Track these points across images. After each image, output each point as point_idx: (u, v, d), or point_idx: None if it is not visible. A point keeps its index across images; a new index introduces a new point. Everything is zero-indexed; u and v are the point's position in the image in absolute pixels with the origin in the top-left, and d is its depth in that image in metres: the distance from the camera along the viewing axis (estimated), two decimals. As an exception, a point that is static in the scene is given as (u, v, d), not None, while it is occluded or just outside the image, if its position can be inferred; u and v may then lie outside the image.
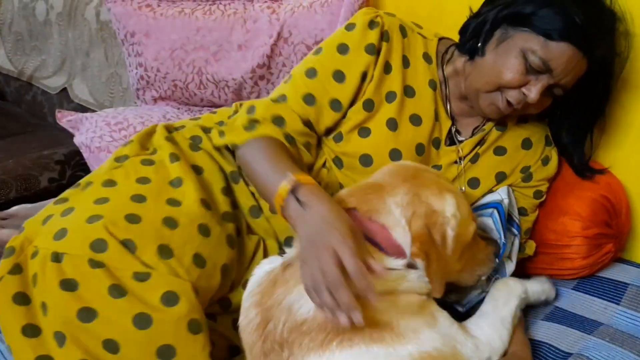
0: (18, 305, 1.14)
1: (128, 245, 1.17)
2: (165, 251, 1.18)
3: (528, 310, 1.48)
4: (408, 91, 1.42)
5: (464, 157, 1.45)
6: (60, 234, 1.16)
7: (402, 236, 1.14)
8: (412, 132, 1.41)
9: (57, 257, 1.14)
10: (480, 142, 1.47)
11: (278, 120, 1.34)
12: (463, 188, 1.45)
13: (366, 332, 1.06)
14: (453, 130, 1.46)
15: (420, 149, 1.41)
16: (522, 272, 1.58)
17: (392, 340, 1.07)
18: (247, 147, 1.32)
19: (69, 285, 1.12)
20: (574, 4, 1.27)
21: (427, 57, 1.44)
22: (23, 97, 3.15)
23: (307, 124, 1.37)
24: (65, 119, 2.01)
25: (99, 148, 1.90)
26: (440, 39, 1.48)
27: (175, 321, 1.13)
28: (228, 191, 1.38)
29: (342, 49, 1.39)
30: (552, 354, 1.33)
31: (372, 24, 1.39)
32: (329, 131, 1.42)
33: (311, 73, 1.39)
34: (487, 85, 1.34)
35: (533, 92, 1.29)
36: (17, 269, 1.16)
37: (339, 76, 1.38)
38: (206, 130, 1.48)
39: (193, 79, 2.06)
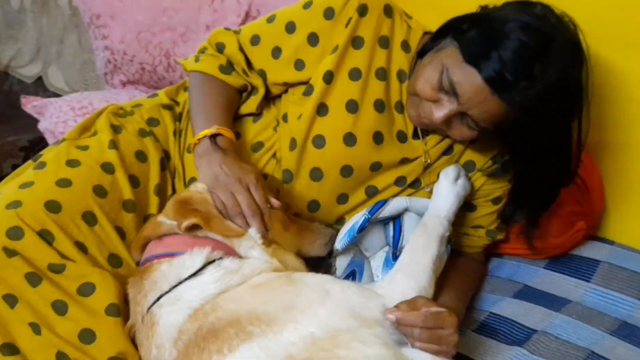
0: None
1: (44, 235, 1.16)
2: (81, 248, 1.19)
3: (496, 289, 1.45)
4: (379, 73, 1.35)
5: (430, 149, 1.39)
6: None
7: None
8: (373, 118, 1.34)
9: None
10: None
11: (220, 46, 1.41)
12: (426, 187, 1.39)
13: (232, 336, 1.01)
14: None
15: (378, 138, 1.35)
16: (495, 252, 1.56)
17: (263, 331, 1.01)
18: (191, 78, 1.43)
19: None
20: (512, 36, 1.12)
21: (405, 46, 1.37)
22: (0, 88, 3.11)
23: (248, 61, 1.40)
24: (30, 104, 1.97)
25: (62, 133, 1.84)
26: (426, 33, 1.39)
27: (93, 309, 1.13)
28: (161, 189, 1.36)
29: (307, 4, 1.36)
30: (516, 331, 1.30)
31: None
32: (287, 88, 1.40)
33: (271, 18, 1.40)
34: (410, 88, 1.29)
35: (438, 112, 1.22)
36: None
37: (290, 27, 1.36)
38: (166, 107, 1.45)
39: (161, 62, 2.02)
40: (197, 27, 1.97)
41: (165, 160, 1.39)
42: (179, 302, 1.09)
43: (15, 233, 1.13)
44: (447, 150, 1.39)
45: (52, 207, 1.18)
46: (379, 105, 1.35)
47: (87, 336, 1.11)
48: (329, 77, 1.33)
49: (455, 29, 1.24)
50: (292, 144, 1.35)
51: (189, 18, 1.97)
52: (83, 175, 1.25)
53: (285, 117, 1.38)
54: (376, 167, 1.36)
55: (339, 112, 1.33)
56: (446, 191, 1.31)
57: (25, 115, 2.84)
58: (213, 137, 1.27)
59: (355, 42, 1.34)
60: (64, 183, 1.22)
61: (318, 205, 1.38)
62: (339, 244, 1.30)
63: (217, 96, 1.36)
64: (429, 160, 1.38)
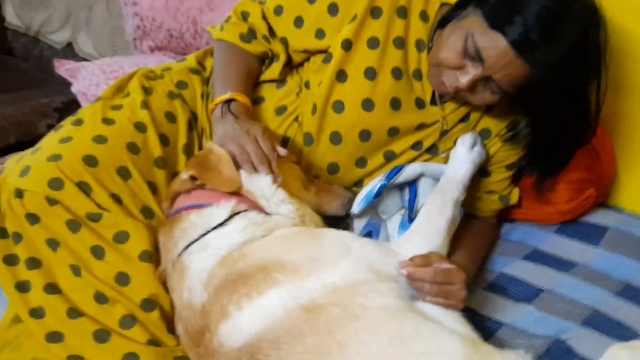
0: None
1: (83, 187, 1.24)
2: (117, 199, 1.27)
3: (506, 252, 1.51)
4: (397, 42, 1.40)
5: (448, 115, 1.44)
6: (24, 172, 1.23)
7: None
8: (390, 85, 1.40)
9: (19, 193, 1.21)
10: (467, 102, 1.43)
11: (244, 15, 1.47)
12: (441, 153, 1.45)
13: (260, 281, 1.09)
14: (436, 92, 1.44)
15: (395, 104, 1.40)
16: (508, 217, 1.61)
17: (289, 279, 1.09)
18: (215, 46, 1.52)
19: (33, 218, 1.21)
20: (534, 1, 1.18)
21: (424, 16, 1.42)
22: (31, 53, 3.20)
23: (270, 30, 1.46)
24: (63, 67, 2.05)
25: (94, 95, 1.93)
26: (444, 4, 1.43)
27: (127, 254, 1.22)
28: (189, 148, 1.43)
29: None
30: (525, 289, 1.36)
31: None
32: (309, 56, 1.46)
33: None
34: (431, 59, 1.34)
35: (463, 78, 1.26)
36: None
37: None
38: (194, 71, 1.52)
39: (188, 28, 2.08)
40: (222, -6, 2.03)
41: (192, 121, 1.46)
42: (207, 249, 1.17)
43: (56, 184, 1.22)
44: (464, 118, 1.45)
45: (90, 161, 1.26)
46: (397, 73, 1.40)
47: (122, 279, 1.20)
48: (347, 45, 1.39)
49: None
50: (314, 109, 1.41)
51: (216, -14, 2.03)
52: (117, 132, 1.33)
53: (307, 84, 1.45)
54: (394, 132, 1.41)
55: (358, 79, 1.39)
56: (462, 157, 1.37)
57: (55, 80, 2.93)
58: (227, 102, 1.34)
59: (374, 11, 1.39)
60: (100, 139, 1.30)
61: (337, 168, 1.44)
62: (356, 208, 1.37)
63: (236, 63, 1.44)
64: (445, 127, 1.44)
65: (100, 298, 1.18)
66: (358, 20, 1.38)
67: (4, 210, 1.22)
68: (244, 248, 1.15)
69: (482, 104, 1.35)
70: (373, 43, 1.39)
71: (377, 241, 1.36)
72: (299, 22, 1.43)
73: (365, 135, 1.40)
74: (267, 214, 1.26)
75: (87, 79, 1.96)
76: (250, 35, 1.46)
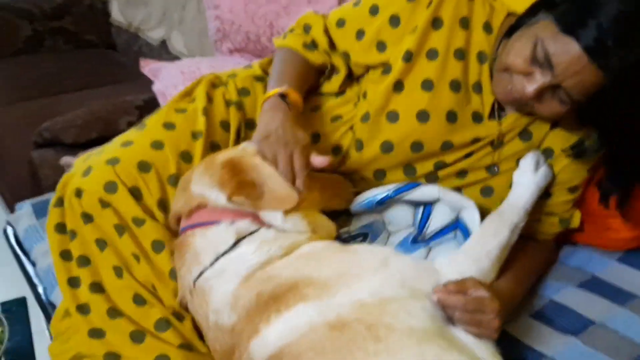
0: (58, 234, 1.31)
1: (134, 192, 1.29)
2: (163, 206, 1.31)
3: (561, 277, 1.44)
4: (458, 54, 1.37)
5: (506, 132, 1.39)
6: (86, 172, 1.31)
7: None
8: (448, 98, 1.37)
9: (79, 193, 1.29)
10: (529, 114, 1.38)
11: (307, 27, 1.49)
12: (496, 168, 1.40)
13: (289, 298, 1.08)
14: (496, 105, 1.39)
15: (452, 117, 1.37)
16: (569, 240, 1.54)
17: (318, 295, 1.07)
18: (277, 52, 1.53)
19: (87, 218, 1.28)
20: (608, 3, 1.13)
21: (487, 27, 1.38)
22: (131, 48, 3.39)
23: (331, 42, 1.46)
24: (147, 67, 2.16)
25: (172, 96, 2.01)
26: (510, 14, 1.39)
27: (159, 268, 1.26)
28: None
29: None
30: (574, 320, 1.29)
31: None
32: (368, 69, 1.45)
33: (357, 3, 1.46)
34: (497, 65, 1.29)
35: (531, 86, 1.21)
36: (59, 202, 1.32)
37: (374, 10, 1.41)
38: (259, 78, 1.56)
39: (265, 32, 2.13)
40: (299, 0, 2.06)
41: (244, 129, 1.48)
42: (224, 273, 1.16)
43: (111, 187, 1.28)
44: (522, 133, 1.39)
45: (144, 166, 1.31)
46: (455, 85, 1.37)
47: (154, 288, 1.26)
48: (408, 57, 1.37)
49: (546, 4, 1.24)
50: (366, 116, 1.41)
51: (293, -9, 2.06)
52: (174, 139, 1.37)
53: (365, 94, 1.45)
54: (447, 147, 1.39)
55: (414, 90, 1.38)
56: (527, 181, 1.32)
57: (147, 77, 3.10)
58: (282, 96, 1.33)
59: (435, 23, 1.37)
60: (157, 145, 1.35)
61: (384, 175, 1.43)
62: (354, 206, 1.36)
63: (296, 64, 1.45)
64: (498, 140, 1.39)
65: (139, 300, 1.24)
66: (419, 31, 1.36)
67: (66, 207, 1.30)
68: (267, 268, 1.15)
69: (548, 116, 1.29)
70: (432, 54, 1.37)
71: (417, 257, 1.34)
72: (360, 34, 1.43)
73: (417, 146, 1.39)
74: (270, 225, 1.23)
75: (166, 79, 2.06)
76: (312, 45, 1.48)
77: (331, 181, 1.36)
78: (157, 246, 1.28)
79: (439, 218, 1.35)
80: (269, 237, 1.19)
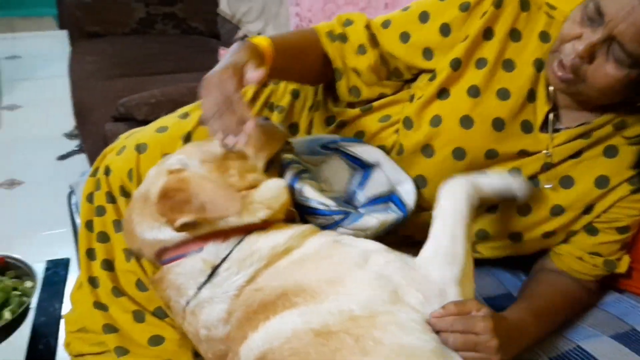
0: (87, 203, 1.36)
1: None
2: None
3: (597, 324, 1.32)
4: (506, 64, 1.32)
5: (555, 147, 1.30)
6: (120, 151, 1.35)
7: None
8: (495, 105, 1.30)
9: (107, 171, 1.33)
10: (584, 136, 1.30)
11: (347, 22, 1.41)
12: (545, 184, 1.31)
13: (278, 305, 1.05)
14: (551, 116, 1.31)
15: (498, 124, 1.30)
16: (616, 285, 1.42)
17: (305, 302, 1.04)
18: None
19: (111, 198, 1.33)
20: None
21: (544, 36, 1.31)
22: (231, 39, 3.49)
23: (373, 39, 1.39)
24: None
25: (241, 85, 2.07)
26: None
27: None
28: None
29: None
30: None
31: None
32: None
33: (406, 8, 1.41)
34: (552, 47, 1.24)
35: (581, 44, 1.14)
36: (95, 172, 1.37)
37: (424, 17, 1.36)
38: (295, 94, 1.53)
39: (340, 33, 2.11)
40: (377, 3, 2.03)
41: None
42: (212, 299, 1.11)
43: (132, 175, 1.31)
44: (576, 155, 1.30)
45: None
46: (503, 93, 1.30)
47: None
48: (456, 65, 1.32)
49: None
50: (407, 122, 1.37)
51: (372, -6, 2.04)
52: (206, 136, 1.31)
53: (412, 98, 1.40)
54: (491, 155, 1.31)
55: (459, 96, 1.32)
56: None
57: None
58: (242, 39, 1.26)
59: (487, 33, 1.31)
60: (188, 139, 1.36)
61: (425, 182, 1.36)
62: (298, 145, 1.30)
63: (299, 37, 1.40)
64: (550, 160, 1.30)
65: (142, 286, 1.28)
66: (470, 40, 1.31)
67: (98, 180, 1.35)
68: (257, 279, 1.11)
69: (604, 86, 1.18)
70: (481, 63, 1.32)
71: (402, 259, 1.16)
72: (404, 37, 1.38)
73: (459, 153, 1.32)
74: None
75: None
76: (338, 37, 1.39)
77: (263, 128, 1.23)
78: None
79: (375, 186, 1.29)
80: (244, 254, 1.12)
